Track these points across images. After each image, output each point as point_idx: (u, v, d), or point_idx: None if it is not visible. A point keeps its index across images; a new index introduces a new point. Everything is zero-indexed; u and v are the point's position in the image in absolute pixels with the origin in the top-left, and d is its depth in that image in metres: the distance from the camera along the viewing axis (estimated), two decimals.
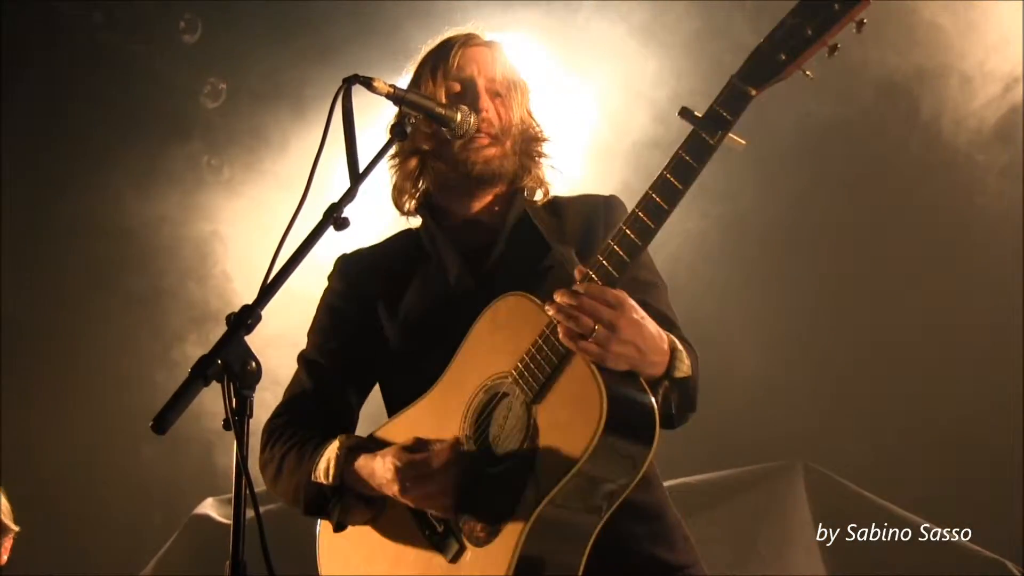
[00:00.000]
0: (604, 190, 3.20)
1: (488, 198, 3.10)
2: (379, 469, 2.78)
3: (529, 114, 3.15)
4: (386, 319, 3.07)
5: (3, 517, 5.17)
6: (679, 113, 2.49)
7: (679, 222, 5.98)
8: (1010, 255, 5.96)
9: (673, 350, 2.62)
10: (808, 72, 2.44)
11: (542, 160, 3.15)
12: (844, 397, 6.33)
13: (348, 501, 2.88)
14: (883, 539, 5.75)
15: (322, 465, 2.87)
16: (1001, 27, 6.09)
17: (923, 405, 6.10)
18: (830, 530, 5.80)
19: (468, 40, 3.13)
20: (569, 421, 2.58)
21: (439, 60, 3.10)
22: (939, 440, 6.03)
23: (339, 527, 2.92)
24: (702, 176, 2.49)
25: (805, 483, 6.00)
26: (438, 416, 2.84)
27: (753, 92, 2.44)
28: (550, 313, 2.55)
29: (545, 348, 2.63)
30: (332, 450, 2.87)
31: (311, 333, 3.21)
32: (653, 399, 2.60)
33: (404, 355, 3.04)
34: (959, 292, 6.11)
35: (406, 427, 2.90)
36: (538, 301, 2.70)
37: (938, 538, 5.67)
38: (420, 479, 2.71)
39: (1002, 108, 6.17)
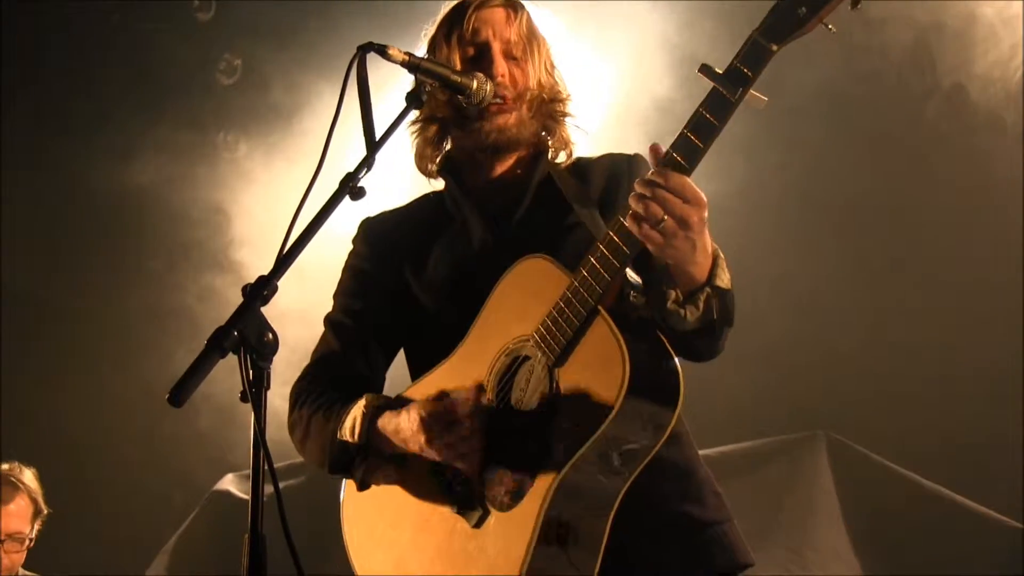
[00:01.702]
0: (625, 149, 3.16)
1: (510, 162, 3.07)
2: (404, 423, 2.77)
3: (549, 73, 3.10)
4: (411, 281, 3.06)
5: (39, 499, 5.18)
6: (699, 70, 2.44)
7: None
8: None
9: (715, 257, 2.57)
10: (831, 26, 2.38)
11: (565, 120, 3.10)
12: (866, 367, 6.29)
13: (373, 460, 2.89)
14: (905, 509, 5.74)
15: (348, 423, 2.87)
16: None
17: (947, 375, 6.05)
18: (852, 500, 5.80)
19: (484, 2, 3.07)
20: (592, 384, 2.56)
21: (454, 25, 3.06)
22: (962, 410, 5.99)
23: (363, 485, 2.91)
24: (720, 138, 2.46)
25: (827, 454, 5.99)
26: (460, 379, 2.82)
27: (774, 48, 2.39)
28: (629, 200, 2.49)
29: (567, 311, 2.61)
30: (358, 408, 2.87)
31: (337, 295, 3.21)
32: (676, 360, 2.59)
33: (428, 317, 3.03)
34: (987, 258, 6.05)
35: (428, 390, 2.88)
36: (558, 263, 2.69)
37: (960, 507, 5.66)
38: (447, 427, 2.70)
39: None
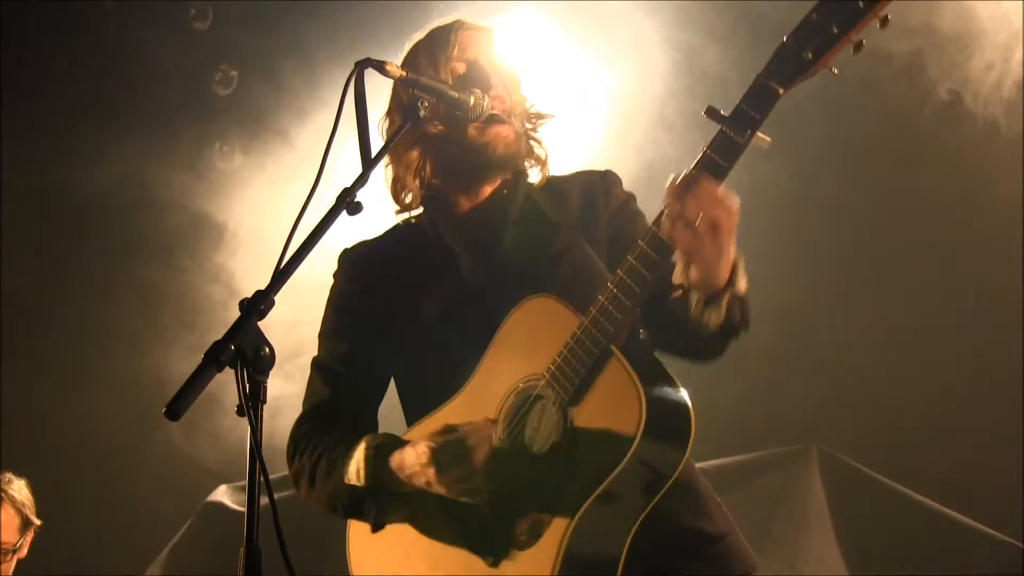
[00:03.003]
0: (628, 165, 3.21)
1: (495, 183, 3.08)
2: (410, 457, 2.75)
3: (524, 96, 3.13)
4: (398, 316, 3.05)
5: (26, 511, 5.16)
6: (705, 113, 2.45)
7: None
8: None
9: (735, 264, 2.61)
10: (835, 69, 2.43)
11: (538, 139, 3.15)
12: (858, 380, 6.30)
13: (383, 499, 2.86)
14: (897, 522, 5.75)
15: (352, 468, 2.86)
16: None
17: (941, 388, 6.06)
18: (844, 514, 5.81)
19: (462, 25, 3.11)
20: (609, 423, 2.58)
21: (437, 46, 3.07)
22: (955, 424, 6.00)
23: (377, 526, 2.89)
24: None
25: (819, 467, 6.00)
26: (468, 418, 2.80)
27: (781, 91, 2.42)
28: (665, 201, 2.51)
29: (578, 349, 2.62)
30: (360, 452, 2.85)
31: (322, 336, 3.19)
32: (687, 399, 2.61)
33: (419, 351, 3.03)
34: (982, 269, 6.06)
35: (446, 420, 2.85)
36: (566, 302, 2.71)
37: (953, 521, 5.66)
38: (455, 460, 2.69)
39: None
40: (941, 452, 5.99)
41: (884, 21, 2.36)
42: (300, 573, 2.28)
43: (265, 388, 2.25)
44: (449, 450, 2.70)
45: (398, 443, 2.84)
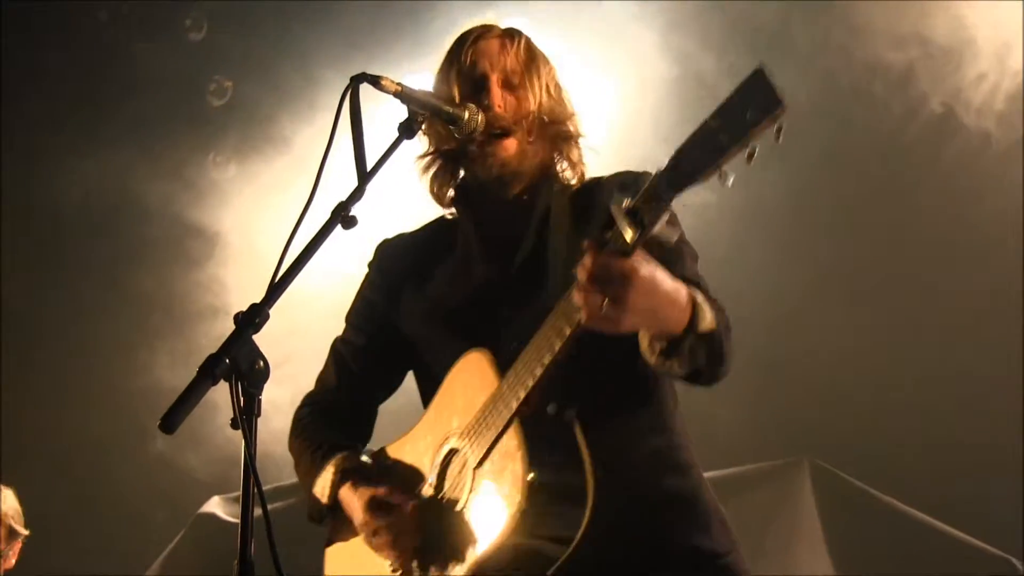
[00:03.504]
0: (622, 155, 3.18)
1: (518, 188, 3.06)
2: (355, 515, 2.92)
3: (552, 96, 3.09)
4: (409, 309, 3.12)
5: (12, 521, 5.15)
6: (609, 207, 2.37)
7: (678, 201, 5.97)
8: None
9: (694, 304, 2.54)
10: (730, 178, 2.28)
11: (573, 140, 3.10)
12: (851, 394, 6.30)
13: (340, 519, 3.02)
14: (889, 536, 5.75)
15: (319, 484, 3.01)
16: None
17: (932, 402, 6.07)
18: (836, 527, 5.81)
19: (482, 34, 3.11)
20: (494, 499, 2.68)
21: (453, 59, 3.09)
22: (948, 438, 6.01)
23: (328, 542, 3.07)
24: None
25: (811, 480, 6.00)
26: (420, 451, 2.97)
27: (672, 196, 2.30)
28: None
29: (490, 417, 2.70)
30: (328, 473, 3.00)
31: (347, 319, 3.30)
32: (588, 470, 2.63)
33: (431, 352, 3.08)
34: (978, 282, 6.06)
35: (399, 453, 3.05)
36: (493, 361, 2.77)
37: (945, 535, 5.67)
38: (382, 544, 2.85)
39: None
40: (934, 466, 5.99)
41: (779, 132, 2.22)
42: None
43: (259, 402, 2.27)
44: (379, 535, 2.85)
45: (364, 471, 3.01)
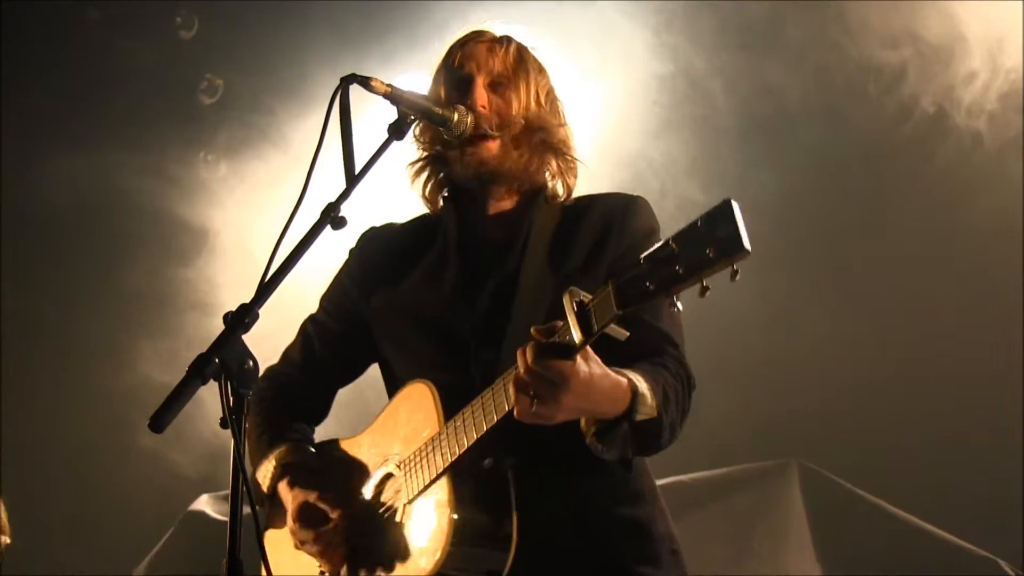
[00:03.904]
0: (613, 178, 3.16)
1: (505, 197, 3.07)
2: (289, 503, 2.98)
3: (542, 104, 3.07)
4: (378, 304, 3.13)
5: None
6: (563, 296, 2.37)
7: (666, 211, 6.01)
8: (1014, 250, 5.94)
9: (635, 394, 2.56)
10: (678, 305, 2.23)
11: (561, 151, 3.08)
12: (839, 395, 6.32)
13: (276, 508, 3.06)
14: (876, 537, 5.76)
15: (261, 471, 3.08)
16: None
17: (921, 404, 6.08)
18: (824, 528, 5.82)
19: (473, 37, 3.11)
20: (415, 548, 2.75)
21: (444, 60, 3.10)
22: (934, 438, 6.02)
23: (264, 527, 3.06)
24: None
25: (800, 481, 6.00)
26: (364, 459, 3.02)
27: (622, 312, 2.26)
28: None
29: (428, 458, 2.74)
30: (270, 464, 3.06)
31: (322, 300, 3.32)
32: (514, 525, 2.67)
33: (391, 344, 3.13)
34: (966, 284, 6.08)
35: (346, 451, 3.11)
36: (439, 399, 2.78)
37: (932, 536, 5.68)
38: (309, 553, 2.92)
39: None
40: (922, 467, 6.01)
41: (735, 274, 2.16)
42: None
43: (248, 401, 2.27)
44: (310, 543, 2.91)
45: (302, 468, 3.03)
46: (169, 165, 7.64)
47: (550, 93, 3.13)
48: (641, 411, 2.57)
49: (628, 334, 2.34)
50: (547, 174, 3.08)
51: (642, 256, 2.20)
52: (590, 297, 2.32)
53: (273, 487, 3.04)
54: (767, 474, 6.07)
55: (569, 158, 3.09)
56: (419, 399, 2.85)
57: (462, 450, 2.65)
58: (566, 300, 2.34)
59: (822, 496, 5.92)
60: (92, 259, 7.73)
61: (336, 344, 3.25)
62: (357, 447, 3.07)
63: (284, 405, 3.24)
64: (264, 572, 2.31)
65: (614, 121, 6.61)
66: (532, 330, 2.44)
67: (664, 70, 6.55)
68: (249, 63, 7.59)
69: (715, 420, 6.05)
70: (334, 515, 2.89)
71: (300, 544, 2.92)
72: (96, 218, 7.64)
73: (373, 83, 2.73)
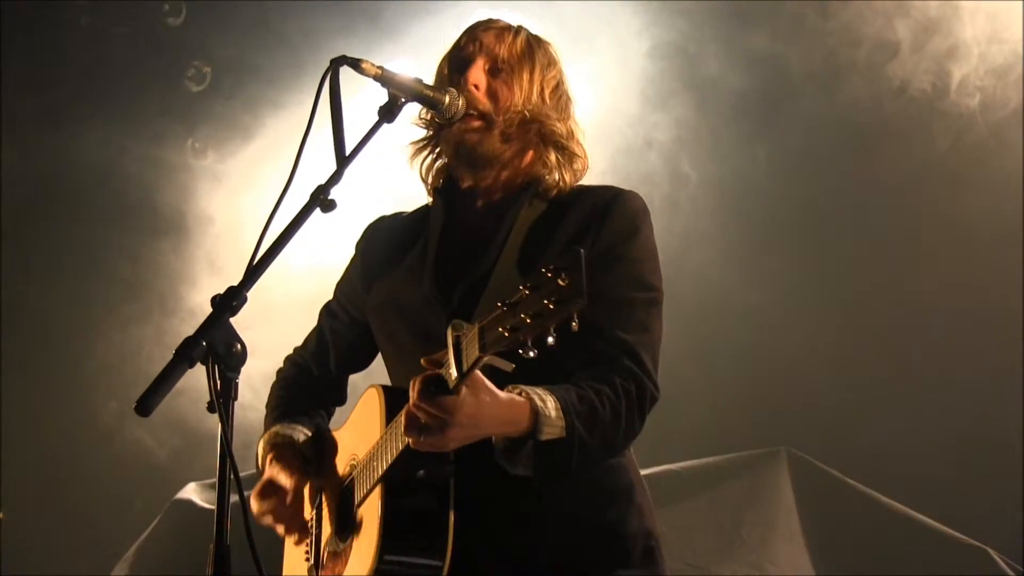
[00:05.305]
0: (607, 178, 3.13)
1: (495, 187, 3.02)
2: (264, 480, 3.04)
3: (544, 97, 3.00)
4: (372, 297, 3.14)
5: None
6: (447, 329, 2.40)
7: (662, 197, 6.00)
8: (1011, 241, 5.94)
9: (535, 414, 2.54)
10: (532, 353, 2.19)
11: (561, 145, 3.01)
12: (829, 384, 6.33)
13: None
14: (865, 526, 5.77)
15: (259, 446, 3.16)
16: None
17: (910, 392, 6.10)
18: (813, 517, 5.83)
19: (481, 24, 3.07)
20: (356, 550, 2.78)
21: (452, 45, 3.08)
22: (924, 427, 6.03)
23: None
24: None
25: (789, 470, 6.01)
26: (343, 450, 3.06)
27: (485, 355, 2.29)
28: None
29: (370, 466, 2.76)
30: (263, 441, 3.14)
31: (335, 289, 3.36)
32: (449, 533, 2.66)
33: (381, 335, 3.14)
34: (954, 272, 6.08)
35: (337, 438, 3.12)
36: (384, 403, 2.78)
37: (920, 525, 5.69)
38: (267, 524, 2.99)
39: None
40: (910, 456, 6.02)
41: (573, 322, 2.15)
42: (268, 572, 2.28)
43: (236, 385, 2.25)
44: (270, 489, 2.98)
45: (286, 449, 3.07)
46: (157, 151, 7.62)
47: (558, 88, 3.07)
48: (545, 431, 2.55)
49: (513, 366, 2.33)
50: (545, 168, 2.99)
51: (505, 301, 2.21)
52: (464, 333, 2.35)
53: (263, 462, 3.09)
54: (756, 463, 6.06)
55: (569, 152, 3.02)
56: (369, 406, 2.87)
57: (387, 466, 2.66)
58: (449, 334, 2.38)
59: (811, 485, 5.92)
60: (75, 243, 7.70)
61: (345, 333, 3.28)
62: (342, 439, 3.10)
63: (300, 387, 3.30)
64: (254, 562, 2.28)
65: (607, 96, 6.58)
66: (422, 360, 2.49)
67: (657, 44, 6.53)
68: (237, 49, 7.56)
69: (705, 408, 6.07)
70: (287, 492, 2.95)
71: (260, 516, 2.96)
72: (80, 203, 7.62)
73: (364, 65, 2.70)
